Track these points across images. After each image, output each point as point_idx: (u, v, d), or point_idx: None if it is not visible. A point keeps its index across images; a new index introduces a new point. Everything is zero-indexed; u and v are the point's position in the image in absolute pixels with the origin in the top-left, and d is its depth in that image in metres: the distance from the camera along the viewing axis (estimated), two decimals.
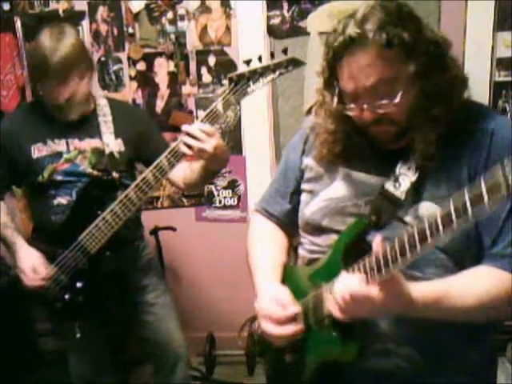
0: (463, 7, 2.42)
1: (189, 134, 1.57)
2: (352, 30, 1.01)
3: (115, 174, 1.85)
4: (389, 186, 1.10)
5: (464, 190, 0.79)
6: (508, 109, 2.51)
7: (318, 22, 2.46)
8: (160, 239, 2.64)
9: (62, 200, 1.87)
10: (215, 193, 2.77)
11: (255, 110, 2.62)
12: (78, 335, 1.82)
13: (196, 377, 2.70)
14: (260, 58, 1.51)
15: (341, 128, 1.16)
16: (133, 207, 1.72)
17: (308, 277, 1.25)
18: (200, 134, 1.56)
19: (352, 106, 1.08)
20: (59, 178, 1.86)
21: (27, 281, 1.78)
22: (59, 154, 1.86)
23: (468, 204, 0.77)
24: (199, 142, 1.56)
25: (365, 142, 1.15)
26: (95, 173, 1.87)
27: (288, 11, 2.55)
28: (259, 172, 2.69)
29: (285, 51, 1.50)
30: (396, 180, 1.10)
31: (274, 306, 1.19)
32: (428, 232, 0.84)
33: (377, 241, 0.96)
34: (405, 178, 1.09)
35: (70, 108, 1.81)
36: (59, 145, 1.86)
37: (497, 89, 2.49)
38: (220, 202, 2.78)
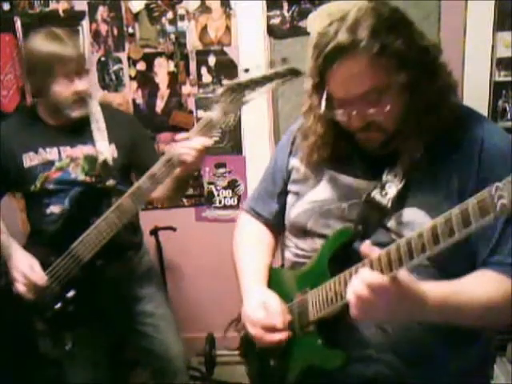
0: (463, 7, 2.42)
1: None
2: (343, 36, 0.98)
3: (109, 182, 1.83)
4: (375, 193, 1.09)
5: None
6: (508, 109, 2.52)
7: (318, 21, 2.46)
8: (160, 239, 2.64)
9: (54, 209, 1.86)
10: (215, 193, 2.77)
11: (255, 110, 2.62)
12: (68, 346, 1.80)
13: (196, 377, 2.70)
14: (258, 67, 1.48)
15: (329, 132, 1.14)
16: (126, 216, 1.70)
17: (293, 280, 1.25)
18: (193, 151, 1.53)
19: (340, 111, 1.07)
20: (51, 186, 1.84)
21: (23, 283, 1.73)
22: (51, 163, 1.84)
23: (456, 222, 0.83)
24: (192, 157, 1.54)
25: (352, 146, 1.14)
26: (88, 180, 1.86)
27: (288, 11, 2.55)
28: (259, 172, 2.66)
29: (284, 60, 1.45)
30: (382, 187, 1.09)
31: (262, 313, 1.19)
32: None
33: (365, 246, 0.96)
34: (391, 186, 1.08)
35: (81, 102, 1.80)
36: (51, 153, 1.84)
37: (497, 89, 2.49)
38: (220, 202, 2.78)
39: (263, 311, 1.19)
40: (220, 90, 1.51)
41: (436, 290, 0.97)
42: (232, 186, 2.76)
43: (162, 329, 2.05)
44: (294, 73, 1.44)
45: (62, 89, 1.76)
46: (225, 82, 2.61)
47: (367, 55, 0.97)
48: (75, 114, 1.81)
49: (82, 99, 1.80)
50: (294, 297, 1.22)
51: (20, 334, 1.94)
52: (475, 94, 2.44)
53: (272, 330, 1.17)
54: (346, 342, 1.09)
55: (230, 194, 2.77)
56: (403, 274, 0.92)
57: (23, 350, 2.00)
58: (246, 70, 1.48)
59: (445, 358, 1.10)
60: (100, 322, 1.92)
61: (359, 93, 1.01)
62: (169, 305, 2.14)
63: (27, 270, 1.74)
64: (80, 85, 1.77)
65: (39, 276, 1.74)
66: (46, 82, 1.75)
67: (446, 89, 1.06)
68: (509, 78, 2.47)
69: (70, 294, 1.79)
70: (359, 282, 0.94)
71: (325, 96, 1.08)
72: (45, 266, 1.78)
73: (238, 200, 2.77)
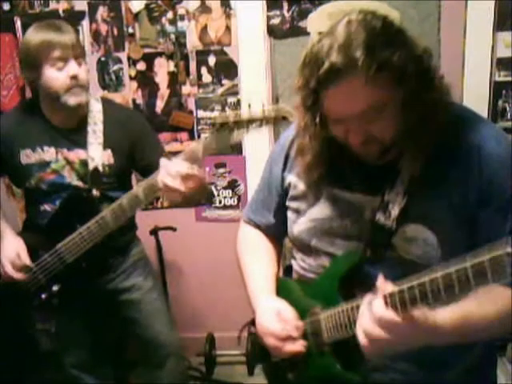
0: (463, 7, 2.42)
1: (169, 174, 1.49)
2: (337, 57, 0.93)
3: (95, 192, 1.84)
4: (379, 215, 1.08)
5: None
6: (508, 109, 2.52)
7: (317, 21, 2.46)
8: (160, 239, 2.64)
9: (47, 207, 1.89)
10: (215, 193, 2.77)
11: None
12: (52, 330, 1.86)
13: (196, 377, 2.70)
14: (263, 105, 1.46)
15: (326, 148, 1.12)
16: (108, 229, 1.72)
17: (302, 293, 1.25)
18: (176, 176, 1.45)
19: (337, 129, 1.05)
20: (44, 187, 1.86)
21: (8, 270, 1.78)
22: (47, 164, 1.84)
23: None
24: (176, 183, 1.46)
25: (349, 160, 1.12)
26: (80, 185, 1.86)
27: (288, 11, 2.55)
28: (259, 172, 2.66)
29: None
30: (385, 208, 1.07)
31: (277, 323, 1.18)
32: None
33: (380, 281, 0.94)
34: (394, 205, 1.06)
35: (78, 90, 1.77)
36: (48, 153, 1.84)
37: (497, 89, 2.49)
38: (220, 202, 2.78)
39: (279, 321, 1.18)
40: (214, 126, 1.47)
41: (448, 318, 0.95)
42: (232, 185, 2.76)
43: (149, 314, 2.06)
44: (286, 119, 1.41)
45: (56, 74, 1.73)
46: (223, 85, 2.61)
47: (364, 75, 0.93)
48: (72, 101, 1.76)
49: (78, 86, 1.77)
50: (302, 309, 1.21)
51: (11, 323, 1.97)
52: (475, 94, 2.44)
53: (287, 339, 1.16)
54: (361, 354, 1.07)
55: (230, 194, 2.77)
56: (418, 311, 0.90)
57: (14, 338, 2.05)
58: (249, 106, 1.46)
59: (452, 359, 1.11)
60: (86, 311, 1.98)
61: (356, 112, 0.98)
62: (158, 291, 2.15)
63: (13, 257, 1.78)
64: (74, 69, 1.75)
65: (26, 261, 1.79)
66: (39, 68, 1.74)
67: (441, 95, 1.04)
68: (509, 78, 2.47)
69: (55, 287, 1.84)
70: (370, 319, 0.93)
71: (319, 114, 1.06)
72: (34, 253, 1.82)
73: (238, 200, 2.77)
